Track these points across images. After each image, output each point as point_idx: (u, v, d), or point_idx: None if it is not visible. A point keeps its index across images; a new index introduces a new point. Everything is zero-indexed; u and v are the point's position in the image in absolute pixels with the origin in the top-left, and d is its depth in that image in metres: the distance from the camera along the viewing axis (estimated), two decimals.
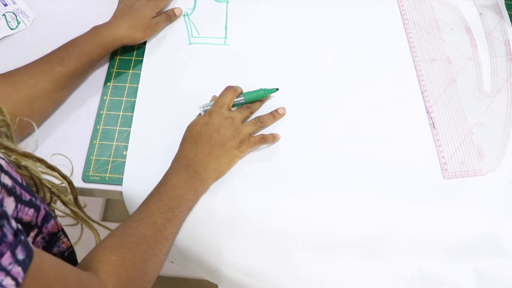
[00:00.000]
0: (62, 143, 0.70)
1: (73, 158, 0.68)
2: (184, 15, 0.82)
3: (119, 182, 0.68)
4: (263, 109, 0.73)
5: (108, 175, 0.68)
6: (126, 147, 0.70)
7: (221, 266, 0.66)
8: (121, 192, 0.67)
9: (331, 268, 0.66)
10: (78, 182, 0.67)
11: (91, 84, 0.75)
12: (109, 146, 0.70)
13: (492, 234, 0.66)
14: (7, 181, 0.44)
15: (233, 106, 0.70)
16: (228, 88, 0.71)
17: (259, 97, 0.72)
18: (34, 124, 0.62)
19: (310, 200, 0.67)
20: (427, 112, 0.74)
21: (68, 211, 0.59)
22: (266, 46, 0.79)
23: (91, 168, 0.69)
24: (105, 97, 0.74)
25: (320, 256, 0.66)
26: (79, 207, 0.60)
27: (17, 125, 0.56)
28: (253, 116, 0.72)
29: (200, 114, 0.70)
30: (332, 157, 0.70)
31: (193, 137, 0.66)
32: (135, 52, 0.79)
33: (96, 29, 0.73)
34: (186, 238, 0.65)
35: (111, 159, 0.69)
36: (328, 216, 0.66)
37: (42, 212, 0.51)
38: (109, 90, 0.75)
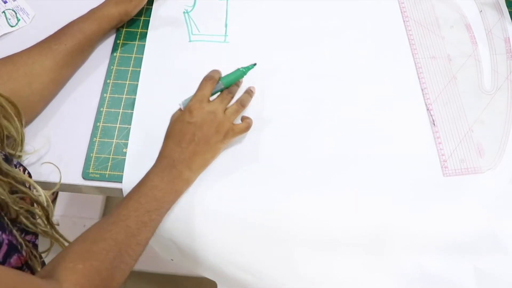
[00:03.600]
0: (62, 140, 0.70)
1: (73, 155, 0.69)
2: (184, 13, 0.82)
3: (119, 179, 0.68)
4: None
5: (108, 172, 0.68)
6: (126, 145, 0.70)
7: (220, 264, 0.66)
8: (121, 190, 0.67)
9: (331, 266, 0.66)
10: (78, 180, 0.68)
11: (91, 82, 0.75)
12: (109, 143, 0.70)
13: (492, 232, 0.66)
14: None
15: (212, 94, 0.68)
16: (206, 79, 0.68)
17: (238, 78, 0.68)
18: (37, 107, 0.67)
19: (310, 197, 0.67)
20: (427, 109, 0.74)
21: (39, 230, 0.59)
22: (266, 44, 0.79)
23: (91, 165, 0.69)
24: (105, 95, 0.74)
25: (319, 254, 0.66)
26: (52, 226, 0.59)
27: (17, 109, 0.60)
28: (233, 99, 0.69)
29: (180, 109, 0.67)
30: (332, 154, 0.70)
31: (175, 135, 0.65)
32: (135, 49, 0.79)
33: (90, 11, 0.75)
34: (185, 236, 0.65)
35: (111, 156, 0.69)
36: (328, 214, 0.66)
37: (4, 248, 0.50)
38: (109, 88, 0.75)
